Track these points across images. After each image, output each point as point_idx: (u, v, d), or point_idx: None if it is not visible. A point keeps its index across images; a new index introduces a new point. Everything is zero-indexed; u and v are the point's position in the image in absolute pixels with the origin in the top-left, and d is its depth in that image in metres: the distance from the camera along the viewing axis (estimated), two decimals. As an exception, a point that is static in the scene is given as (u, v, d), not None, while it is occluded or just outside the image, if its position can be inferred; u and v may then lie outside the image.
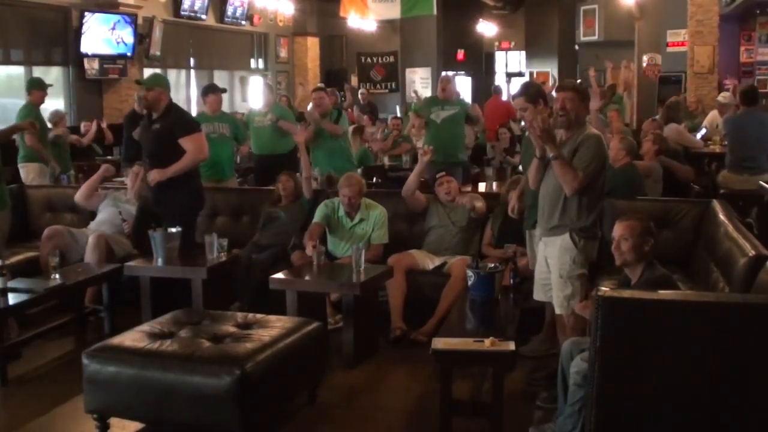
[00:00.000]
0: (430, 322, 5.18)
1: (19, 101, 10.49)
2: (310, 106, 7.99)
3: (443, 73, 13.77)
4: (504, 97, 13.23)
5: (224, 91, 7.93)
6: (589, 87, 11.19)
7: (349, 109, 12.95)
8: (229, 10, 14.95)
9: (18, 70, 10.91)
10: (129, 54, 11.73)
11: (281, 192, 6.15)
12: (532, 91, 4.69)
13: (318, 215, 5.70)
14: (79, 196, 6.45)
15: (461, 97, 8.90)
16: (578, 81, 17.53)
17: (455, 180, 6.05)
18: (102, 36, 11.28)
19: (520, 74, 24.40)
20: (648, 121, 9.11)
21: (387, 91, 18.56)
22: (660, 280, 3.58)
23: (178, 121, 5.73)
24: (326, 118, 7.54)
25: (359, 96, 14.90)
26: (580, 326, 4.01)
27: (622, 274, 3.82)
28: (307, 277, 5.06)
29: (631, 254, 3.65)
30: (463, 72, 22.88)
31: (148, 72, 12.19)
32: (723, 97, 10.27)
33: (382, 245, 5.67)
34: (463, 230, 5.68)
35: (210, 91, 7.77)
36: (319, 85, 11.92)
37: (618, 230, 3.69)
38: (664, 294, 3.30)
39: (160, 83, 5.83)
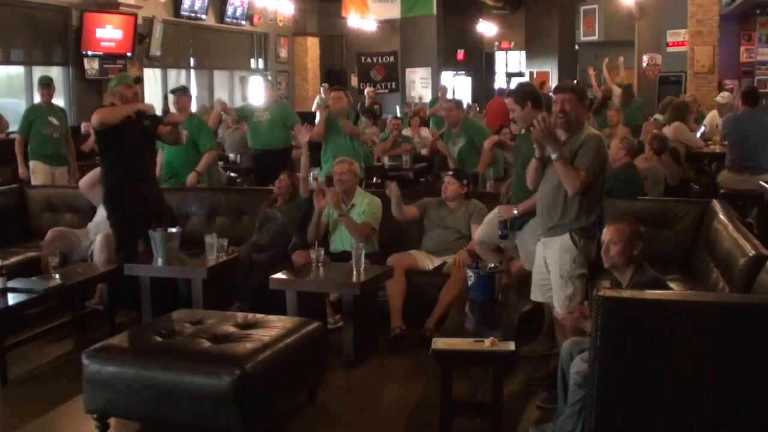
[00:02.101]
0: (430, 319, 5.17)
1: (19, 101, 10.50)
2: (316, 101, 7.91)
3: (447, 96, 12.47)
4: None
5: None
6: (589, 87, 11.21)
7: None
8: (229, 10, 14.95)
9: (18, 70, 10.90)
10: (129, 54, 11.73)
11: (276, 192, 6.16)
12: (521, 93, 4.69)
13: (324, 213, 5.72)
14: (83, 183, 6.36)
15: (466, 118, 7.90)
16: (576, 81, 17.56)
17: (458, 183, 5.75)
18: (102, 36, 11.27)
19: (520, 74, 24.43)
20: (647, 122, 9.09)
21: (387, 91, 18.56)
22: (650, 283, 3.57)
23: (155, 115, 5.97)
24: (344, 118, 7.50)
25: (366, 95, 14.90)
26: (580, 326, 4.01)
27: (612, 277, 3.82)
28: (307, 277, 5.07)
29: (620, 258, 3.64)
30: (463, 72, 22.91)
31: (148, 72, 12.19)
32: (722, 97, 10.25)
33: (371, 226, 5.66)
34: (461, 233, 5.66)
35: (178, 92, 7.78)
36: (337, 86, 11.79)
37: (607, 234, 3.68)
38: (664, 294, 3.31)
39: None
